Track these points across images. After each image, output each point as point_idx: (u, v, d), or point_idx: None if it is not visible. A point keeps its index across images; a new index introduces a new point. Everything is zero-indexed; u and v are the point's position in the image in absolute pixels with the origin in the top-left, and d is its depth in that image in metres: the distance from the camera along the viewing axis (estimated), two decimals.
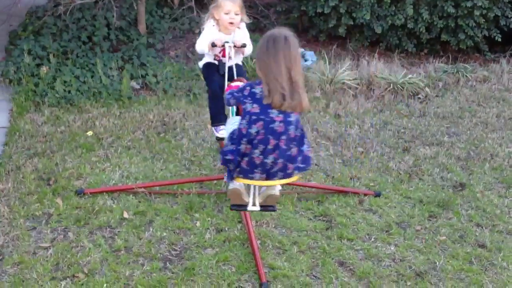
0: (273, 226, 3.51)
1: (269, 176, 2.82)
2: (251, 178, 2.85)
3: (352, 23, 6.37)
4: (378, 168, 4.25)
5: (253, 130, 2.73)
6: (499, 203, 3.88)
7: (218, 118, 3.77)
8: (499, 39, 6.43)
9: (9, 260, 3.09)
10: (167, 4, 6.80)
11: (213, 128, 3.83)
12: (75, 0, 5.61)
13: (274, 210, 3.10)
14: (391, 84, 5.59)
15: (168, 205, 3.66)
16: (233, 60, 3.73)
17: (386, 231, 3.53)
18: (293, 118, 2.74)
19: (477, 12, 6.11)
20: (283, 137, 2.73)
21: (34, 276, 2.97)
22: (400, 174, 4.18)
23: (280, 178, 2.84)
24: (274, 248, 3.31)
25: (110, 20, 5.97)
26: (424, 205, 3.81)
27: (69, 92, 5.08)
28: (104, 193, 3.72)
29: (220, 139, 3.82)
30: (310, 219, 3.61)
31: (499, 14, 6.28)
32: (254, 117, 2.72)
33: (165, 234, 3.38)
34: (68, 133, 4.50)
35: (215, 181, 3.95)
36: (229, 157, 2.81)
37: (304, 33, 6.95)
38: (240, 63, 3.87)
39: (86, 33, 5.91)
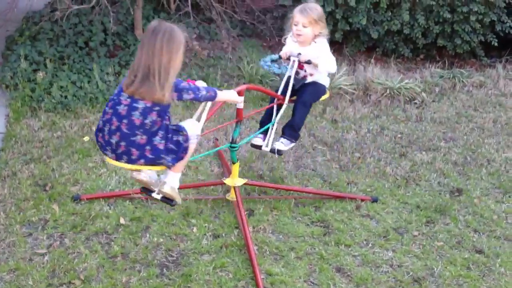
0: (270, 232, 3.51)
1: (117, 157, 2.85)
2: (106, 155, 2.91)
3: (348, 28, 6.38)
4: (375, 174, 4.25)
5: (106, 109, 2.85)
6: (496, 209, 3.88)
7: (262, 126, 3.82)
8: (495, 44, 6.45)
9: (5, 267, 3.07)
10: (164, 9, 6.80)
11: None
12: (72, 6, 5.60)
13: (171, 205, 3.03)
14: (388, 89, 5.59)
15: (165, 211, 3.65)
16: (307, 75, 3.73)
17: (384, 237, 3.52)
18: (140, 105, 2.76)
19: (473, 18, 6.14)
20: (125, 120, 2.77)
21: (30, 283, 2.96)
22: (397, 179, 4.18)
23: (126, 162, 2.84)
24: (271, 254, 3.30)
25: (107, 25, 5.97)
26: (421, 210, 3.81)
27: (66, 97, 5.07)
28: (101, 199, 3.71)
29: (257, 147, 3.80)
30: (307, 224, 3.61)
31: (495, 19, 6.30)
32: (111, 97, 2.88)
33: (161, 240, 3.37)
34: (65, 139, 4.49)
35: (212, 187, 3.94)
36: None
37: None
38: (320, 81, 3.78)
39: (83, 39, 5.90)
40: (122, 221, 3.51)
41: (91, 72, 5.43)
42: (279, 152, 3.71)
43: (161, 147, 2.83)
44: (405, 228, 3.63)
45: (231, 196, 3.74)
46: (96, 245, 3.29)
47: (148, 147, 2.80)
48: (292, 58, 3.67)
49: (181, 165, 2.99)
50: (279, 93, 3.80)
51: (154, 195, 3.02)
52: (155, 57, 2.72)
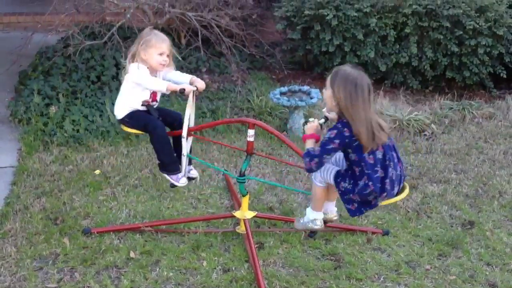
0: (280, 265, 3.49)
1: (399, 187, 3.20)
2: (390, 191, 3.12)
3: (356, 61, 6.43)
4: (385, 206, 4.22)
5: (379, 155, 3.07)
6: (509, 242, 3.84)
7: (176, 165, 3.65)
8: (504, 76, 6.47)
9: None
10: (175, 43, 6.90)
11: (170, 177, 3.65)
12: (85, 41, 5.72)
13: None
14: (397, 121, 5.60)
15: (175, 244, 3.65)
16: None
17: (396, 271, 3.49)
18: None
19: (481, 50, 6.17)
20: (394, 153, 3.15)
21: None
22: (408, 212, 4.16)
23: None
24: None
25: (119, 60, 6.06)
26: (433, 243, 3.78)
27: (78, 131, 5.13)
28: (111, 232, 3.71)
29: (174, 186, 3.73)
30: (318, 258, 3.59)
31: (503, 51, 6.33)
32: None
33: (171, 274, 3.36)
34: (76, 172, 4.52)
35: (221, 220, 3.94)
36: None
37: (309, 70, 7.02)
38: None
39: (95, 73, 5.99)
40: (132, 254, 3.51)
41: (103, 106, 5.50)
42: None
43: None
44: (417, 261, 3.59)
45: (241, 229, 3.73)
46: (106, 279, 3.28)
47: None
48: (188, 89, 3.54)
49: None
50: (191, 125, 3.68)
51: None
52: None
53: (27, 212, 3.92)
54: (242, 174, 3.60)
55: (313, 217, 3.39)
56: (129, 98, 3.60)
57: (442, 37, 6.23)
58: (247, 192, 3.66)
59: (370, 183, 3.01)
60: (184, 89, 3.51)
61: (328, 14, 6.19)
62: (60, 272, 3.34)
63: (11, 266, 3.36)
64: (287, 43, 7.03)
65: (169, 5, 6.00)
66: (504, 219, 4.13)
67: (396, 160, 3.09)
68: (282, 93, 5.41)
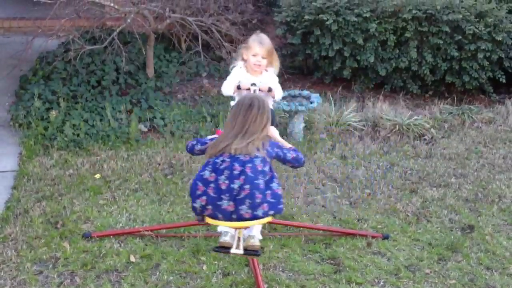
0: (280, 269, 3.49)
1: (237, 203, 2.91)
2: (218, 207, 2.93)
3: (356, 65, 6.46)
4: (385, 210, 4.23)
5: (217, 161, 2.99)
6: (508, 246, 3.84)
7: None
8: (504, 81, 6.48)
9: None
10: (175, 48, 6.93)
11: None
12: (85, 46, 5.73)
13: (257, 255, 3.12)
14: (397, 126, 5.62)
15: (175, 248, 3.65)
16: None
17: (395, 275, 3.49)
18: (259, 155, 3.04)
19: (480, 55, 6.19)
20: (249, 165, 2.96)
21: None
22: (408, 216, 4.17)
23: (248, 207, 2.90)
24: None
25: (119, 64, 6.08)
26: (432, 247, 3.78)
27: (78, 135, 5.14)
28: (111, 236, 3.72)
29: None
30: (318, 262, 3.59)
31: (503, 56, 6.35)
32: (213, 159, 3.07)
33: (171, 278, 3.36)
34: (76, 176, 4.53)
35: None
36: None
37: (309, 75, 7.04)
38: (271, 107, 3.84)
39: (96, 78, 6.01)
40: (132, 258, 3.51)
41: (103, 111, 5.51)
42: None
43: (280, 192, 3.00)
44: (416, 265, 3.60)
45: (241, 233, 3.73)
46: (106, 283, 3.28)
47: (269, 192, 2.96)
48: (253, 87, 3.69)
49: None
50: None
51: (233, 251, 3.07)
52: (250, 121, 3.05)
53: (28, 216, 3.92)
54: None
55: None
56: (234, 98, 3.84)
57: (441, 42, 6.25)
58: None
59: (193, 178, 3.04)
60: (239, 84, 3.69)
61: (328, 19, 6.21)
62: (60, 276, 3.34)
63: (11, 270, 3.37)
64: (287, 48, 7.05)
65: (169, 10, 6.01)
66: (504, 223, 4.14)
67: (236, 173, 2.92)
68: (282, 98, 5.41)
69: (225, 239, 3.09)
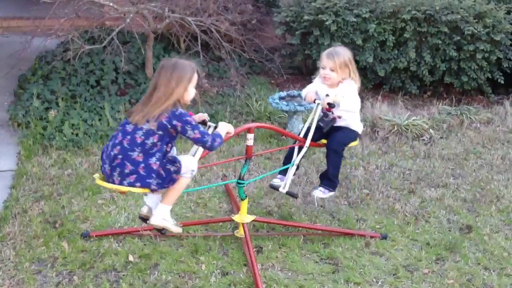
0: (279, 269, 3.49)
1: (111, 170, 3.06)
2: (104, 169, 3.13)
3: (355, 66, 6.45)
4: (384, 210, 4.24)
5: (118, 127, 3.17)
6: (506, 246, 3.85)
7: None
8: (502, 81, 6.49)
9: None
10: (174, 48, 6.93)
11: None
12: (84, 46, 5.73)
13: (161, 233, 3.35)
14: (395, 126, 5.62)
15: (173, 248, 3.65)
16: (335, 117, 3.80)
17: (394, 275, 3.50)
18: (145, 126, 3.06)
19: (479, 56, 6.20)
20: (128, 136, 3.05)
21: None
22: (406, 216, 4.17)
23: (118, 175, 3.04)
24: None
25: (118, 64, 6.09)
26: (431, 248, 3.79)
27: (77, 135, 5.14)
28: (110, 236, 3.72)
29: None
30: (316, 262, 3.59)
31: (501, 57, 6.36)
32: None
33: (170, 277, 3.36)
34: (75, 176, 4.53)
35: (220, 224, 3.95)
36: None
37: (308, 75, 7.03)
38: (351, 126, 3.88)
39: (95, 77, 6.02)
40: (131, 258, 3.51)
41: (102, 110, 5.51)
42: (317, 199, 4.00)
43: (155, 167, 3.03)
44: (415, 265, 3.60)
45: (240, 232, 3.74)
46: (104, 282, 3.29)
47: (142, 165, 3.02)
48: (316, 102, 3.73)
49: (170, 197, 3.20)
50: (301, 135, 3.85)
51: (149, 223, 3.26)
52: (157, 89, 3.05)
53: (26, 216, 3.92)
54: (241, 178, 3.62)
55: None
56: None
57: (440, 42, 6.26)
58: (246, 196, 3.67)
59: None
60: (306, 96, 3.92)
61: (327, 20, 6.22)
62: (59, 276, 3.34)
63: (9, 270, 3.37)
64: (286, 48, 7.06)
65: (168, 10, 6.02)
66: (502, 223, 4.14)
67: (116, 142, 3.06)
68: (281, 98, 5.43)
69: (143, 209, 3.32)
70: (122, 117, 5.46)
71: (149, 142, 3.02)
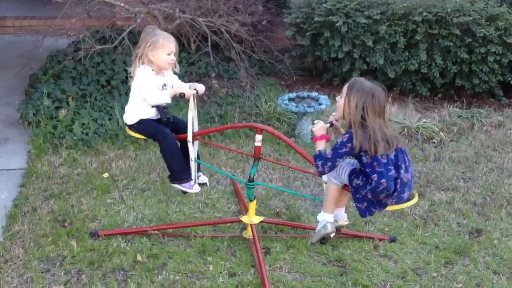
0: (286, 271, 3.49)
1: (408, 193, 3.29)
2: (402, 198, 3.24)
3: (366, 68, 6.44)
4: (393, 213, 4.22)
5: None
6: None
7: (186, 174, 3.69)
8: None
9: None
10: (184, 49, 6.94)
11: (183, 185, 3.70)
12: (95, 45, 5.76)
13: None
14: (406, 128, 5.59)
15: (181, 248, 3.66)
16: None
17: (402, 278, 3.48)
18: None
19: (490, 58, 6.15)
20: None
21: None
22: (416, 219, 4.15)
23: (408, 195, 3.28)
24: None
25: (129, 64, 6.09)
26: (440, 251, 3.77)
27: (87, 134, 5.17)
28: (118, 235, 3.73)
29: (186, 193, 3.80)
30: (324, 264, 3.58)
31: None
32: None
33: (178, 278, 3.36)
34: (85, 175, 4.55)
35: (228, 224, 3.95)
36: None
37: (318, 77, 7.02)
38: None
39: (105, 77, 6.03)
40: (139, 257, 3.52)
41: (112, 110, 5.53)
42: None
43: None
44: (423, 269, 3.58)
45: (248, 234, 3.74)
46: (112, 282, 3.30)
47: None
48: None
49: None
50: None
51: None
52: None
53: (35, 214, 3.94)
54: (251, 180, 3.61)
55: (323, 220, 3.40)
56: (139, 107, 3.64)
57: (452, 44, 6.22)
58: (255, 197, 3.67)
59: (383, 180, 3.09)
60: (184, 93, 3.58)
61: (338, 21, 6.20)
62: (67, 274, 3.36)
63: (18, 268, 3.39)
64: (296, 49, 7.04)
65: (179, 11, 6.03)
66: None
67: (407, 164, 3.21)
68: (290, 99, 5.42)
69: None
70: None
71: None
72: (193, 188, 3.70)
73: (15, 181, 4.43)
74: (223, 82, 6.59)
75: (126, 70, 6.14)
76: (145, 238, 3.73)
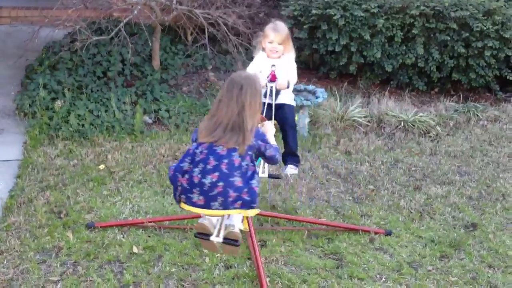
0: (282, 263, 3.49)
1: (207, 199, 2.82)
2: (186, 199, 2.87)
3: (363, 61, 6.44)
4: (389, 206, 4.23)
5: (196, 151, 2.87)
6: (511, 244, 3.83)
7: None
8: (510, 78, 6.45)
9: None
10: (181, 41, 6.92)
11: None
12: (91, 37, 5.73)
13: (236, 245, 2.97)
14: (402, 122, 5.60)
15: (178, 240, 3.66)
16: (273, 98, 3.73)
17: (397, 271, 3.49)
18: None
19: (487, 53, 6.16)
20: (225, 160, 2.81)
21: None
22: (411, 212, 4.16)
23: (220, 204, 2.81)
24: (284, 286, 3.28)
25: (125, 56, 6.08)
26: (435, 245, 3.78)
27: (83, 126, 5.15)
28: (114, 227, 3.73)
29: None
30: (320, 257, 3.59)
31: (510, 54, 6.32)
32: (195, 145, 2.94)
33: (174, 269, 3.37)
34: (80, 167, 4.54)
35: None
36: (170, 173, 2.90)
37: (315, 70, 7.02)
38: (289, 102, 3.81)
39: (101, 68, 6.01)
40: (135, 249, 3.52)
41: (108, 102, 5.52)
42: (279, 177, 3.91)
43: (257, 190, 2.85)
44: (419, 262, 3.59)
45: (244, 226, 3.73)
46: (108, 273, 3.29)
47: (245, 190, 2.82)
48: (269, 85, 3.69)
49: None
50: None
51: (213, 238, 2.98)
52: (238, 111, 2.84)
53: (31, 205, 3.94)
54: None
55: None
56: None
57: (449, 38, 6.22)
58: None
59: (172, 168, 2.91)
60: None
61: (335, 14, 6.19)
62: (63, 266, 3.36)
63: (14, 259, 3.38)
64: (294, 42, 7.00)
65: (176, 2, 6.00)
66: (507, 221, 4.12)
67: (213, 170, 2.81)
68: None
69: (204, 221, 2.98)
70: (128, 108, 5.46)
71: (244, 164, 2.84)
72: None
73: (11, 172, 4.42)
74: (220, 75, 6.58)
75: (122, 62, 6.13)
76: (141, 230, 3.73)
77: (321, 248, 3.67)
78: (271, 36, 3.77)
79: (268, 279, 3.31)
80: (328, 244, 3.71)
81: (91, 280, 3.23)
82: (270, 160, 3.04)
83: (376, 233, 3.84)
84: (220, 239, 2.98)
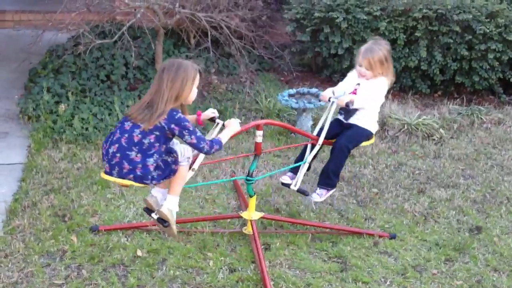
0: (286, 267, 3.49)
1: (110, 168, 3.08)
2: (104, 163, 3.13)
3: None
4: (393, 210, 4.22)
5: (117, 123, 3.19)
6: None
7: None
8: None
9: None
10: (184, 44, 6.93)
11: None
12: (95, 40, 5.74)
13: (164, 226, 3.20)
14: (405, 125, 5.60)
15: (182, 243, 3.65)
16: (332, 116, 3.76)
17: (402, 275, 3.48)
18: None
19: (490, 55, 6.16)
20: (126, 135, 3.03)
21: None
22: (416, 216, 4.15)
23: (117, 174, 3.06)
24: None
25: (128, 59, 6.09)
26: (440, 248, 3.77)
27: (87, 129, 5.16)
28: (118, 230, 3.73)
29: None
30: (325, 260, 3.58)
31: None
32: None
33: (178, 273, 3.36)
34: (84, 170, 4.54)
35: (228, 220, 3.95)
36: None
37: (318, 73, 7.03)
38: (364, 125, 3.78)
39: (105, 72, 6.02)
40: (139, 253, 3.52)
41: (112, 105, 5.52)
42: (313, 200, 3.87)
43: (152, 168, 3.03)
44: (423, 266, 3.58)
45: (248, 229, 3.73)
46: (113, 276, 3.29)
47: (140, 165, 3.02)
48: (331, 100, 3.70)
49: (175, 187, 3.21)
50: (314, 133, 3.82)
51: (152, 215, 3.24)
52: (160, 90, 3.00)
53: (35, 209, 3.94)
54: (250, 175, 3.61)
55: (176, 205, 3.29)
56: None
57: (452, 41, 6.22)
58: (255, 193, 3.67)
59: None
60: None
61: (338, 17, 6.19)
62: (68, 269, 3.36)
63: (18, 262, 3.38)
64: (296, 45, 7.03)
65: (179, 6, 6.01)
66: None
67: (114, 139, 3.05)
68: (290, 95, 5.42)
69: (148, 198, 3.25)
70: None
71: (146, 141, 3.00)
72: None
73: (15, 175, 4.42)
74: (222, 78, 6.59)
75: (125, 65, 6.14)
76: (145, 233, 3.73)
77: (325, 252, 3.66)
78: (359, 58, 3.67)
79: (272, 282, 3.30)
80: (332, 247, 3.70)
81: (95, 284, 3.23)
82: (195, 149, 3.16)
83: (380, 236, 3.83)
84: (156, 217, 3.22)
